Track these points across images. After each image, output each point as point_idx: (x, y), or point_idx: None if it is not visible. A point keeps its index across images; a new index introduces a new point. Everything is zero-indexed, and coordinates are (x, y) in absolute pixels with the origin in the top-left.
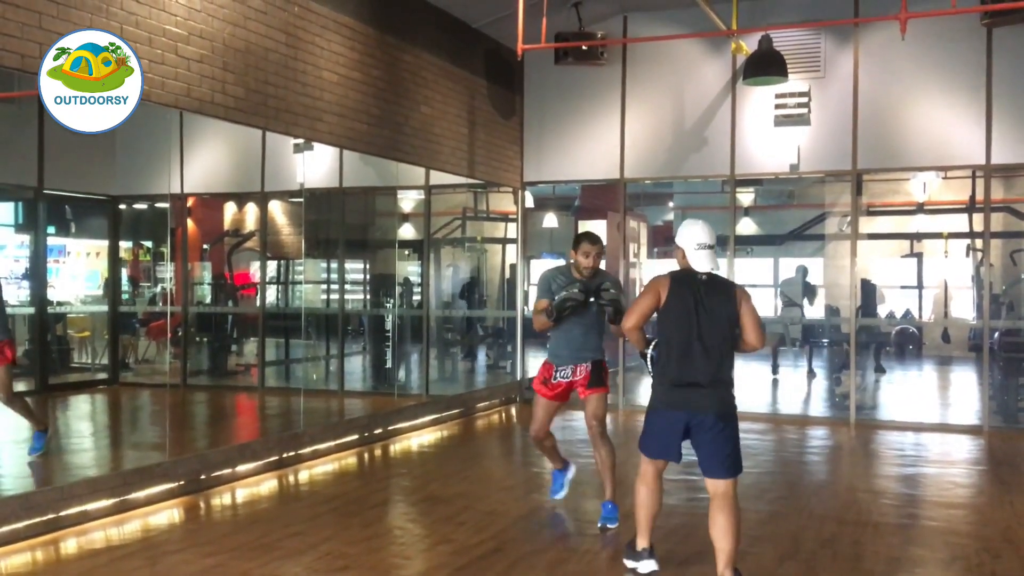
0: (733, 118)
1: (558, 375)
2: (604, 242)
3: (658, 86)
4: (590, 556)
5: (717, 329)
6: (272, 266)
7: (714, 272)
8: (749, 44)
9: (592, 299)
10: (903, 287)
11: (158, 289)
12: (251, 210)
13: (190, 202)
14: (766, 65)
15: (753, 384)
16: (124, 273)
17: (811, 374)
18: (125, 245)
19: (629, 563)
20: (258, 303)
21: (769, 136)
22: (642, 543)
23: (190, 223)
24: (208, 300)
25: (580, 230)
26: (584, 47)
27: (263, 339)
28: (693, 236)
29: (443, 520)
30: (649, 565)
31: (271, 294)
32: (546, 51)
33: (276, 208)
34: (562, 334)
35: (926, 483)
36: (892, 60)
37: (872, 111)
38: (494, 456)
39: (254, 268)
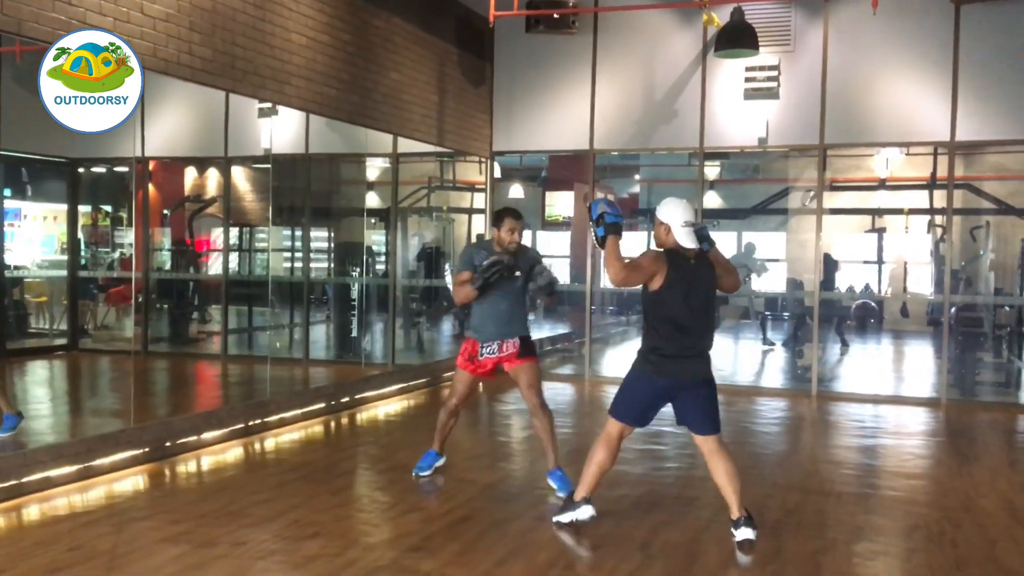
0: (703, 91)
1: (484, 351)
2: (572, 213)
3: (629, 57)
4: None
5: (706, 302)
6: (234, 233)
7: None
8: (720, 16)
9: (528, 281)
10: (865, 262)
11: (117, 255)
12: (213, 175)
13: (151, 166)
14: (738, 37)
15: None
16: (82, 237)
17: (768, 343)
18: (84, 209)
19: (566, 517)
20: (220, 270)
21: (738, 109)
22: (583, 494)
23: (151, 188)
24: (168, 266)
25: (547, 201)
26: (556, 15)
27: (226, 306)
28: (680, 215)
29: (412, 489)
30: (588, 510)
31: (233, 261)
32: (517, 19)
33: (239, 174)
34: (488, 308)
35: (887, 454)
36: (861, 35)
37: (840, 86)
38: (461, 425)
39: (215, 234)
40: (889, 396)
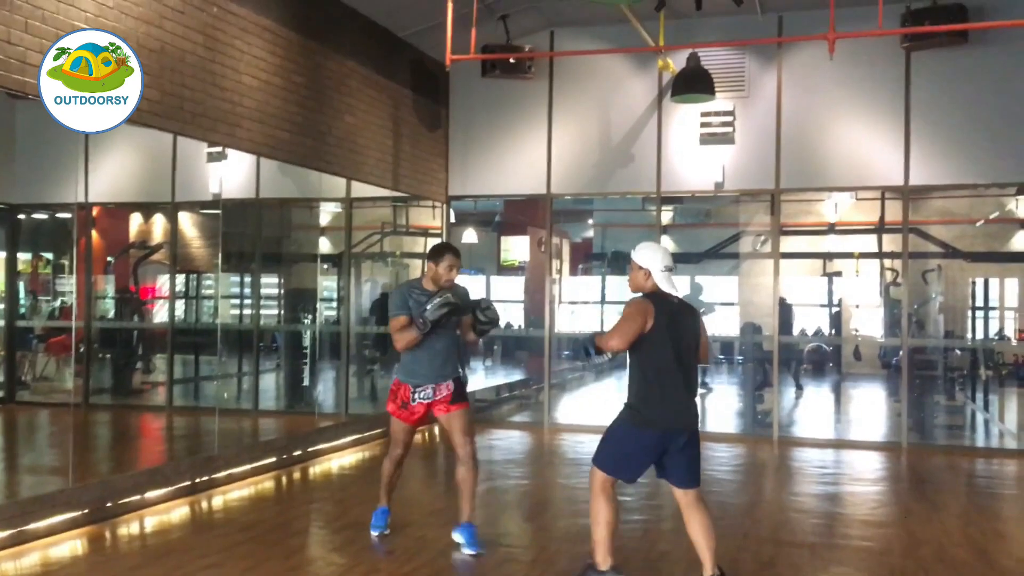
0: (659, 136)
1: (418, 396)
2: (527, 258)
3: (585, 102)
4: None
5: (690, 350)
6: (181, 280)
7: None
8: (676, 62)
9: (473, 312)
10: (822, 305)
11: (58, 303)
12: (159, 221)
13: (94, 212)
14: (694, 82)
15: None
16: (22, 286)
17: (705, 388)
18: (23, 257)
19: None
20: (166, 318)
21: (694, 154)
22: (609, 561)
23: (94, 234)
24: (111, 315)
25: (502, 246)
26: (512, 60)
27: (172, 356)
28: (659, 259)
29: (370, 548)
30: None
31: (180, 309)
32: (472, 64)
33: (186, 219)
34: (423, 350)
35: (855, 502)
36: (814, 81)
37: (794, 131)
38: (419, 478)
39: (161, 282)
40: (851, 441)
